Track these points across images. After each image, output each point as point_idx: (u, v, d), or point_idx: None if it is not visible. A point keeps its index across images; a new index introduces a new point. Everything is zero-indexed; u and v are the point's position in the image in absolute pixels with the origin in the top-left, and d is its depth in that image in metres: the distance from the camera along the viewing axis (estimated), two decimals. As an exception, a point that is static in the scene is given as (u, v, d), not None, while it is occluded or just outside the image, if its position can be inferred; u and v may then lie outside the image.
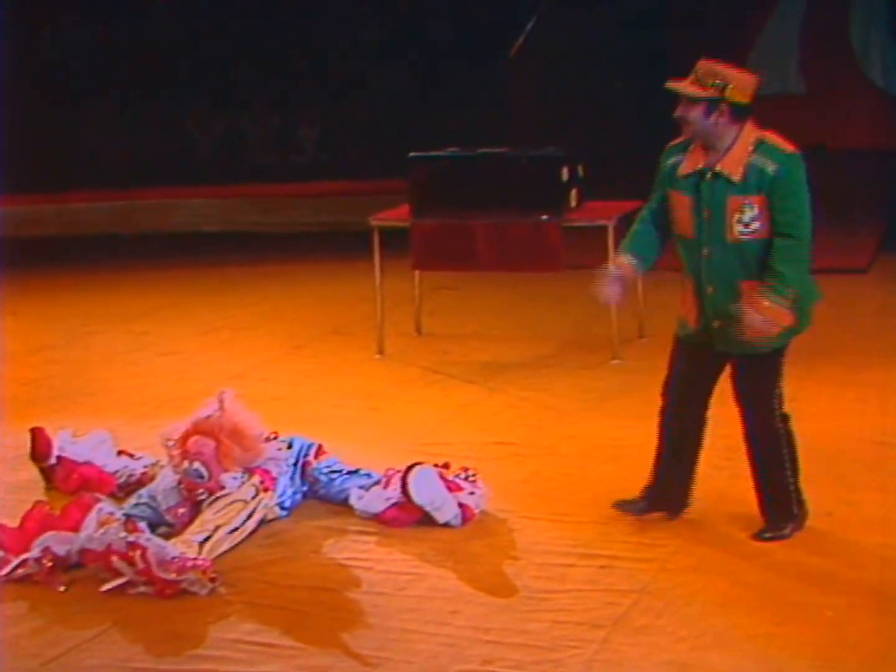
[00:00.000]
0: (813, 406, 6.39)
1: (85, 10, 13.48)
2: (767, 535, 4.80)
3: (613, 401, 6.64)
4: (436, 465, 5.14)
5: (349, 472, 5.29)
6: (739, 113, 4.57)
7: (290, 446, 5.35)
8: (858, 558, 4.61)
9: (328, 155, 13.94)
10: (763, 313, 4.50)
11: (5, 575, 4.61)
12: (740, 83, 4.56)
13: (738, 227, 4.59)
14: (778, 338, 4.62)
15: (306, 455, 5.34)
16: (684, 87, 4.59)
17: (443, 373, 7.36)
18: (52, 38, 13.70)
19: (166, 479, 5.09)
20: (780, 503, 4.83)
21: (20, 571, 4.61)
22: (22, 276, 10.63)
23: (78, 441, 5.61)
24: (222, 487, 4.96)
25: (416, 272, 8.02)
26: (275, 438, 5.35)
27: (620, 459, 5.69)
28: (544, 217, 7.33)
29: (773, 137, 4.62)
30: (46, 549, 4.63)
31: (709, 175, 4.61)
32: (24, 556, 4.63)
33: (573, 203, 7.47)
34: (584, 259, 8.10)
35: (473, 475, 5.18)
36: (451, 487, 5.05)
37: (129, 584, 4.47)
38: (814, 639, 4.01)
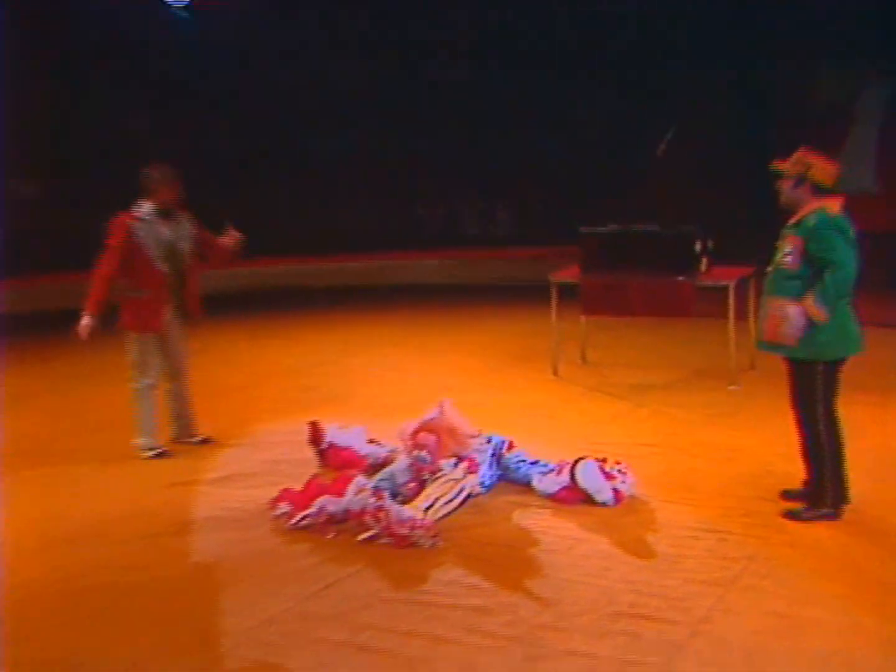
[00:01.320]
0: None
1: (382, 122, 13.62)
2: (788, 514, 4.70)
3: (731, 416, 6.51)
4: (596, 459, 5.12)
5: (532, 462, 5.30)
6: (819, 191, 4.57)
7: (489, 441, 5.39)
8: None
9: (518, 228, 14.08)
10: (804, 312, 4.44)
11: (293, 524, 4.79)
12: (821, 168, 4.58)
13: (780, 255, 4.63)
14: (803, 346, 4.48)
15: (501, 448, 5.38)
16: (781, 165, 4.65)
17: (602, 391, 7.32)
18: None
19: (401, 462, 5.19)
20: (814, 491, 4.73)
21: (304, 522, 4.78)
22: (305, 314, 11.13)
23: (343, 432, 5.74)
24: (441, 470, 5.05)
25: (583, 317, 8.05)
26: (478, 435, 5.41)
27: (735, 461, 5.60)
28: (681, 278, 7.27)
29: (832, 209, 4.53)
30: (322, 508, 4.78)
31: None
32: (306, 511, 4.80)
33: (703, 268, 7.37)
34: (711, 310, 8.04)
35: (625, 467, 5.15)
36: (608, 476, 5.03)
37: (376, 536, 4.58)
38: (885, 600, 3.89)
